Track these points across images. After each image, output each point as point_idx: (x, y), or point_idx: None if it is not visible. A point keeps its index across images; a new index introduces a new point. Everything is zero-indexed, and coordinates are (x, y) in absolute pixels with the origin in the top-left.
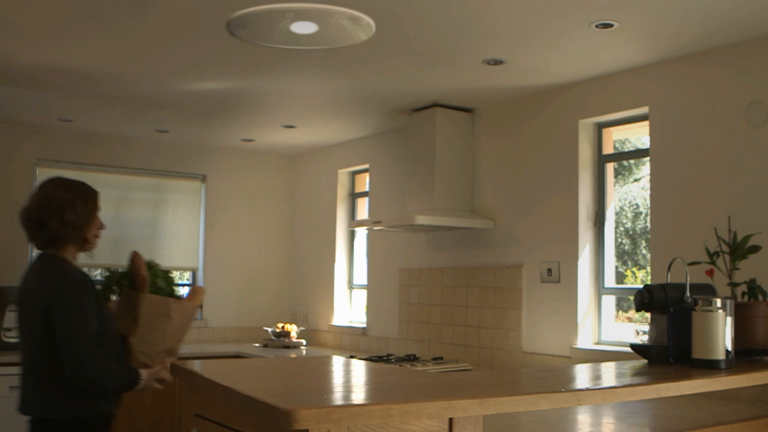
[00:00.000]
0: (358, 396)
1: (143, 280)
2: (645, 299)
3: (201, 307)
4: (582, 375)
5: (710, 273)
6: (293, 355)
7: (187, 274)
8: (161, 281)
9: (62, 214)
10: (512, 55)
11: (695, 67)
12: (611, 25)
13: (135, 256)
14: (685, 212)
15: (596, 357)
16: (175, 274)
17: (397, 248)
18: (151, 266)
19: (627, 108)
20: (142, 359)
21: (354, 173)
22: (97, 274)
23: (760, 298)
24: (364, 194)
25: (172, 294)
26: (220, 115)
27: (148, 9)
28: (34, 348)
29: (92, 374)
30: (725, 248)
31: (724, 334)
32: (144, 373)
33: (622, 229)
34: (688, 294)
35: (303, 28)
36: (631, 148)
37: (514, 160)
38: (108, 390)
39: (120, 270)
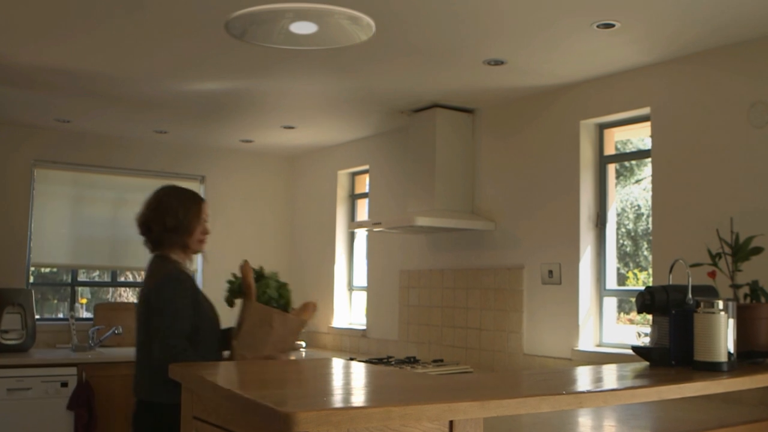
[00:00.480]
0: (358, 398)
1: (249, 287)
2: (646, 301)
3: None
4: (583, 377)
5: (712, 275)
6: (292, 358)
7: None
8: (272, 291)
9: (164, 220)
10: (513, 56)
11: (697, 68)
12: (612, 25)
13: (243, 265)
14: (687, 213)
15: (597, 359)
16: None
17: (397, 250)
18: (262, 275)
19: (628, 109)
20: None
21: (354, 174)
22: (96, 276)
23: (763, 299)
24: (364, 195)
25: (285, 304)
26: (219, 116)
27: (146, 9)
28: (142, 338)
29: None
30: (727, 250)
31: (726, 336)
32: None
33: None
34: (690, 296)
35: (302, 28)
36: (633, 149)
37: (514, 161)
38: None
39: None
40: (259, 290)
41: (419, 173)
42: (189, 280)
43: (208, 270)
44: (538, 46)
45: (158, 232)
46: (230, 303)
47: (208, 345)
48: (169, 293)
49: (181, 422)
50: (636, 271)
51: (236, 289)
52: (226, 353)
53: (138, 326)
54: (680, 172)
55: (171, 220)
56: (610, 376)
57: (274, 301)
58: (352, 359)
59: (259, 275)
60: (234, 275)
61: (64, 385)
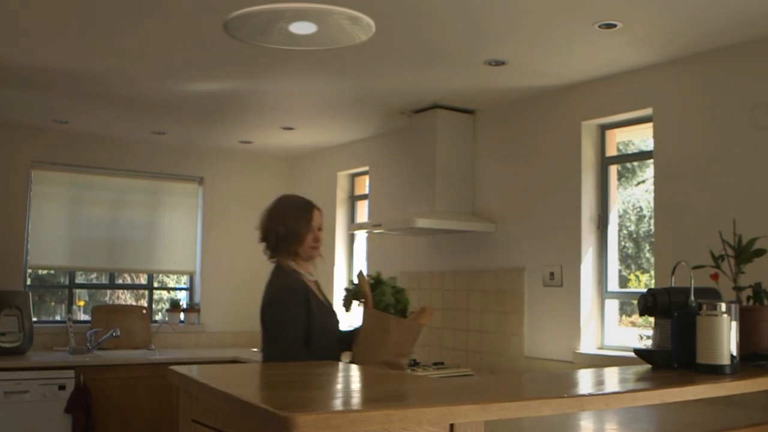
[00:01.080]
0: (358, 401)
1: (366, 296)
2: (649, 303)
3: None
4: (585, 380)
5: (715, 277)
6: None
7: (184, 278)
8: (388, 297)
9: (276, 229)
10: (514, 56)
11: (700, 68)
12: (614, 26)
13: (358, 275)
14: (689, 215)
15: (599, 362)
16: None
17: (397, 252)
18: (380, 282)
19: (630, 109)
20: (361, 365)
21: (353, 175)
22: (93, 278)
23: (766, 302)
24: (363, 197)
25: (402, 309)
26: (217, 117)
27: (144, 9)
28: (263, 345)
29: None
30: (730, 252)
31: (728, 338)
32: None
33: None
34: (692, 298)
35: (302, 28)
36: (635, 150)
37: (515, 162)
38: None
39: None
40: (376, 297)
41: (419, 174)
42: (301, 288)
43: (207, 271)
44: (539, 47)
45: (272, 240)
46: (347, 308)
47: (323, 348)
48: (282, 303)
49: (179, 425)
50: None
51: (351, 296)
52: (347, 354)
53: (261, 331)
54: (682, 173)
55: (282, 228)
56: (612, 378)
57: (391, 307)
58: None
59: (377, 281)
60: (351, 282)
61: (62, 388)
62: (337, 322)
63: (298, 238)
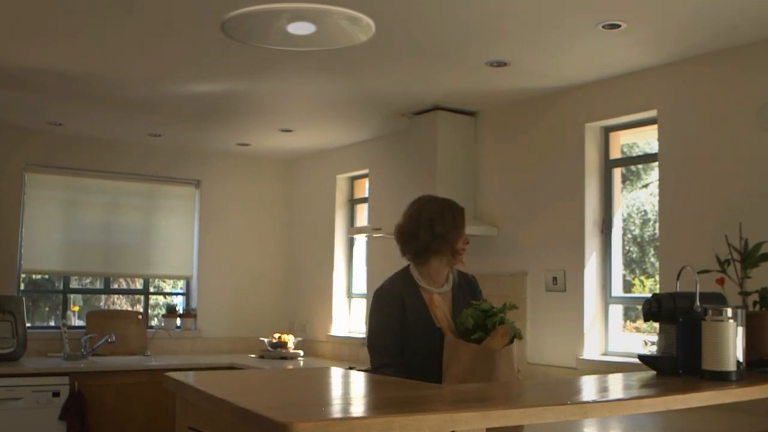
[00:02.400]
0: (357, 408)
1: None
2: (653, 308)
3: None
4: (588, 387)
5: (721, 281)
6: (290, 367)
7: (181, 283)
8: (468, 321)
9: (432, 226)
10: (516, 57)
11: (705, 69)
12: (618, 26)
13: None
14: (694, 219)
15: (603, 368)
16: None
17: (397, 256)
18: (474, 305)
19: (635, 111)
20: None
21: (353, 178)
22: (88, 283)
23: None
24: (363, 200)
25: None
26: (214, 119)
27: (140, 9)
28: None
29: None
30: (736, 256)
31: (735, 344)
32: None
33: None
34: (697, 303)
35: (300, 28)
36: (639, 153)
37: (518, 165)
38: None
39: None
40: (458, 322)
41: (420, 177)
42: (396, 296)
43: (204, 276)
44: (542, 47)
45: (426, 239)
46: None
47: (416, 367)
48: (372, 310)
49: None
50: (642, 277)
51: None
52: None
53: None
54: (688, 176)
55: (438, 225)
56: (616, 385)
57: (470, 332)
58: (351, 368)
59: (485, 312)
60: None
61: (56, 395)
62: (437, 340)
63: (456, 237)
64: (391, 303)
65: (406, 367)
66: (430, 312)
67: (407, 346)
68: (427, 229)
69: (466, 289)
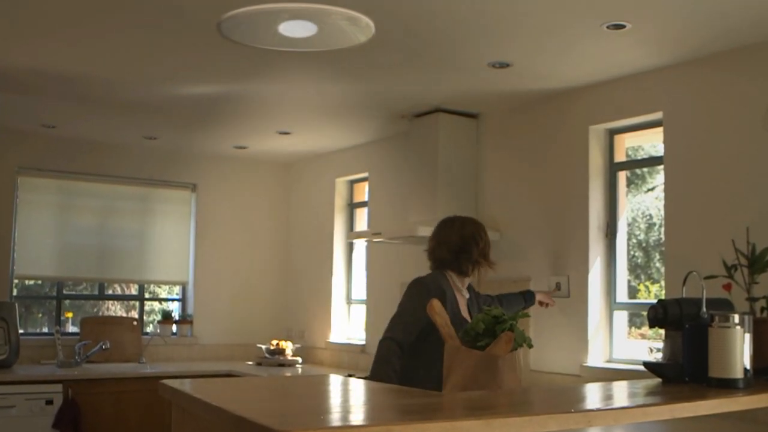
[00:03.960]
0: (357, 417)
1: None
2: (659, 315)
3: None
4: (593, 394)
5: (728, 287)
6: (288, 374)
7: (177, 289)
8: (480, 324)
9: (477, 243)
10: (519, 58)
11: (712, 70)
12: (623, 26)
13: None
14: (701, 223)
15: (607, 375)
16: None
17: (397, 261)
18: (486, 310)
19: (640, 113)
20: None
21: (352, 182)
22: (82, 288)
23: None
24: (363, 204)
25: (490, 341)
26: (211, 121)
27: (135, 9)
28: None
29: (378, 350)
30: (743, 261)
31: (742, 351)
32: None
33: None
34: (704, 309)
35: (299, 29)
36: (645, 156)
37: (520, 168)
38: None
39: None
40: (469, 326)
41: (421, 181)
42: (438, 289)
43: (200, 282)
44: (545, 48)
45: (448, 254)
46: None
47: (435, 359)
48: (409, 293)
49: None
50: (648, 283)
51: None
52: None
53: None
54: (694, 179)
55: (473, 247)
56: (621, 393)
57: (478, 337)
58: (350, 376)
59: (496, 318)
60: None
61: (50, 402)
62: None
63: (486, 259)
64: (432, 292)
65: (425, 359)
66: (460, 312)
67: (430, 339)
68: (474, 246)
69: (475, 298)
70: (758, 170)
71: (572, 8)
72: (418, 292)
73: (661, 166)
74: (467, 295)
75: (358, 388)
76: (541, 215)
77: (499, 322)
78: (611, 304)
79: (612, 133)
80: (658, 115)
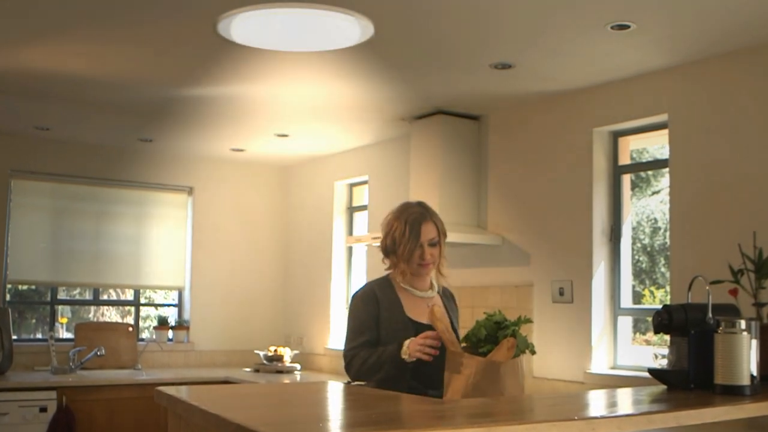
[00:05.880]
0: (352, 425)
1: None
2: (664, 320)
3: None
4: (596, 402)
5: (734, 292)
6: (287, 381)
7: (173, 294)
8: (482, 330)
9: (385, 240)
10: (521, 59)
11: (718, 71)
12: (628, 27)
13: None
14: (706, 227)
15: (612, 382)
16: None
17: None
18: (488, 316)
19: (645, 115)
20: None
21: (352, 185)
22: (76, 293)
23: None
24: (362, 208)
25: (491, 347)
26: (208, 123)
27: (130, 9)
28: None
29: (345, 364)
30: (750, 266)
31: (749, 357)
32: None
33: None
34: (710, 315)
35: (297, 29)
36: (649, 159)
37: (523, 171)
38: (356, 373)
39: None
40: (470, 332)
41: (421, 184)
42: (370, 296)
43: (197, 287)
44: (548, 49)
45: (383, 251)
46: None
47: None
48: (349, 309)
49: None
50: (652, 288)
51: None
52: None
53: None
54: (700, 183)
55: (389, 241)
56: (625, 400)
57: (480, 343)
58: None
59: (498, 324)
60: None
61: (44, 410)
62: (411, 336)
63: (405, 255)
64: (366, 304)
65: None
66: (404, 310)
67: (383, 341)
68: (386, 240)
69: (446, 301)
70: (764, 173)
71: (576, 8)
72: (354, 308)
73: (667, 169)
74: (432, 294)
75: (356, 395)
76: (543, 219)
77: (501, 328)
78: (615, 309)
79: (616, 135)
80: (663, 117)
